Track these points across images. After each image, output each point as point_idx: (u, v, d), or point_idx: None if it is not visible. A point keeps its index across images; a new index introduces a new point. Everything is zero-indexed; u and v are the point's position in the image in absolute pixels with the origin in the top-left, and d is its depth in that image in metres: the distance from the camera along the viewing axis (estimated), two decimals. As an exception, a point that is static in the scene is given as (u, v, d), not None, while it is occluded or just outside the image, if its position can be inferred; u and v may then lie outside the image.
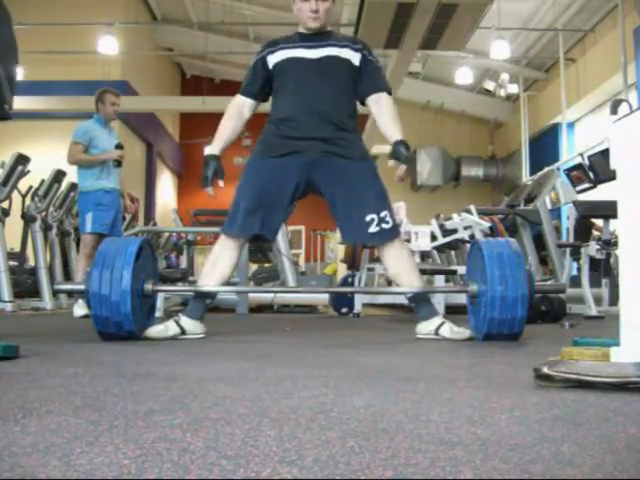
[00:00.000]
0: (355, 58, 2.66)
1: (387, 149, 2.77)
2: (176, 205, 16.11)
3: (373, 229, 2.60)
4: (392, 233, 2.65)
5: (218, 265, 2.62)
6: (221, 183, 2.65)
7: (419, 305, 2.69)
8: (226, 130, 2.71)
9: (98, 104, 4.65)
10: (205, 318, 2.69)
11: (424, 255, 6.05)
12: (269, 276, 7.13)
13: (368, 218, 2.60)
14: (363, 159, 2.67)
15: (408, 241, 4.70)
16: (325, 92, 2.63)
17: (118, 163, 4.63)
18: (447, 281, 5.51)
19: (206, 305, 2.68)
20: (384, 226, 2.61)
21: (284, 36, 2.76)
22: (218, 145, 2.69)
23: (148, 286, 2.53)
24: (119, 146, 4.66)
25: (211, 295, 2.70)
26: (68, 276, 6.66)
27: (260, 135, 2.73)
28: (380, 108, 2.69)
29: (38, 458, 0.73)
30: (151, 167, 14.69)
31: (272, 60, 2.67)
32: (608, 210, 4.57)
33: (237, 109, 2.73)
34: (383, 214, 2.61)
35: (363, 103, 2.75)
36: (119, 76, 11.84)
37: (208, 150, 2.68)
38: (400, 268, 2.66)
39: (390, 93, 2.72)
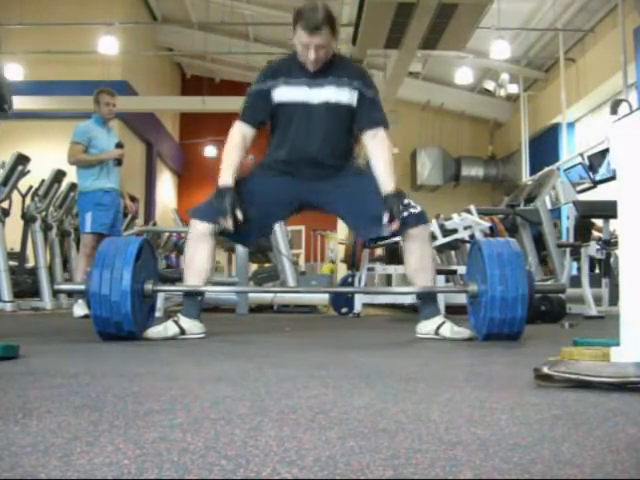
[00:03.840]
0: (353, 99, 2.61)
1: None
2: (176, 205, 16.12)
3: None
4: (423, 216, 2.62)
5: (194, 262, 2.61)
6: (239, 215, 2.50)
7: (424, 303, 2.69)
8: (234, 160, 2.59)
9: (95, 105, 4.66)
10: (205, 318, 2.69)
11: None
12: (269, 276, 7.13)
13: None
14: (361, 173, 2.66)
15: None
16: (323, 140, 2.61)
17: (118, 162, 4.63)
18: (447, 281, 5.52)
19: (200, 302, 2.67)
20: (413, 211, 2.58)
21: (284, 60, 2.70)
22: (229, 175, 2.55)
23: (148, 286, 2.53)
24: (119, 145, 4.66)
25: (200, 292, 2.68)
26: (68, 276, 6.66)
27: (259, 160, 2.76)
28: (375, 148, 2.62)
29: (38, 458, 0.73)
30: (151, 167, 14.70)
31: (275, 96, 2.61)
32: (608, 210, 4.57)
33: (240, 137, 2.63)
34: (407, 202, 2.59)
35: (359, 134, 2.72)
36: (119, 76, 11.84)
37: (221, 181, 2.53)
38: (421, 264, 2.62)
39: (387, 127, 2.67)
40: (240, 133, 2.63)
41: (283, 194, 2.68)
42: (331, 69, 2.61)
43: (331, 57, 2.60)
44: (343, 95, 2.60)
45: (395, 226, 2.47)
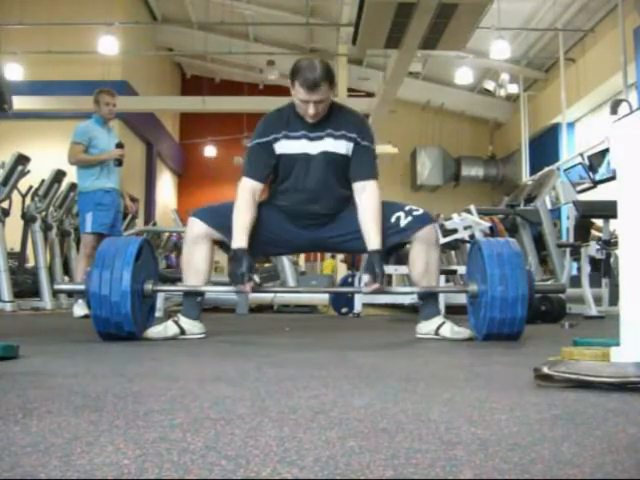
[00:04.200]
0: (349, 149, 2.61)
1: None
2: (176, 205, 16.12)
3: (404, 221, 2.58)
4: (427, 216, 2.64)
5: (191, 263, 2.61)
6: (257, 279, 2.45)
7: (425, 303, 2.69)
8: (246, 221, 2.52)
9: (95, 105, 4.66)
10: (205, 318, 2.69)
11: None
12: (269, 276, 7.13)
13: (393, 218, 2.59)
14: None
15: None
16: (323, 192, 2.62)
17: (119, 162, 4.63)
18: (447, 281, 5.52)
19: (199, 303, 2.67)
20: (416, 213, 2.61)
21: (283, 112, 2.64)
22: (243, 237, 2.48)
23: (148, 286, 2.53)
24: (120, 145, 4.66)
25: (200, 293, 2.68)
26: (68, 276, 6.66)
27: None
28: (364, 201, 2.58)
29: (38, 458, 0.73)
30: (151, 167, 14.70)
31: (278, 149, 2.61)
32: (608, 210, 4.57)
33: (250, 194, 2.56)
34: (408, 208, 2.62)
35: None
36: (119, 76, 11.84)
37: (236, 243, 2.47)
38: (426, 269, 2.62)
39: (377, 178, 2.65)
40: (249, 190, 2.58)
41: (292, 238, 2.72)
42: (329, 121, 2.59)
43: (329, 107, 2.58)
44: (340, 146, 2.60)
45: (375, 286, 2.43)
